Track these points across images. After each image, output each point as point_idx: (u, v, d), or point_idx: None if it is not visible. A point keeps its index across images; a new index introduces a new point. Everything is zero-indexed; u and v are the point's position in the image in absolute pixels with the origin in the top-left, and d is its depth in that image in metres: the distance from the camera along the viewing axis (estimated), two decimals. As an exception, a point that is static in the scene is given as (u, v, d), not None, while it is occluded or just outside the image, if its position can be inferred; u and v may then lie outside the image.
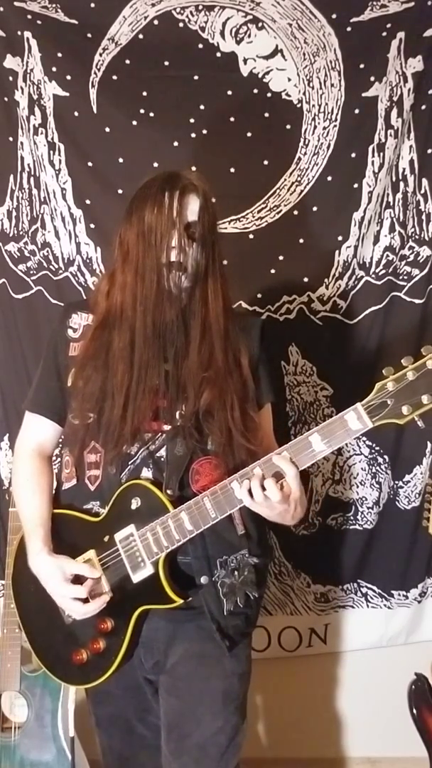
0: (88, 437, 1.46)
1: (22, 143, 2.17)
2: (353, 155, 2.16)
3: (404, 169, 2.19)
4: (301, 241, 2.20)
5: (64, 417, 1.54)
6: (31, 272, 2.23)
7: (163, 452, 1.44)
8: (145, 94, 2.13)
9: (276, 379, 2.02)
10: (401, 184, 2.19)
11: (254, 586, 1.49)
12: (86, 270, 2.19)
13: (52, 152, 2.15)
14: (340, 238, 2.19)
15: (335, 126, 2.16)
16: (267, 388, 1.60)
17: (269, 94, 2.15)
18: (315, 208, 2.19)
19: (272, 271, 2.20)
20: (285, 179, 2.18)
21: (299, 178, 2.18)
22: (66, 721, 1.90)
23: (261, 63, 2.13)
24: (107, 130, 2.14)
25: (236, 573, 1.46)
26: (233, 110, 2.15)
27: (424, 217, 2.21)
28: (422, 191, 2.20)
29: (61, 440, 1.61)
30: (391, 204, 2.20)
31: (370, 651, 2.40)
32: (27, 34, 2.10)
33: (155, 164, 2.10)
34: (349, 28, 2.11)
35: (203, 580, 1.43)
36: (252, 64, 2.14)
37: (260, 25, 2.12)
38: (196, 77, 2.13)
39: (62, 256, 2.20)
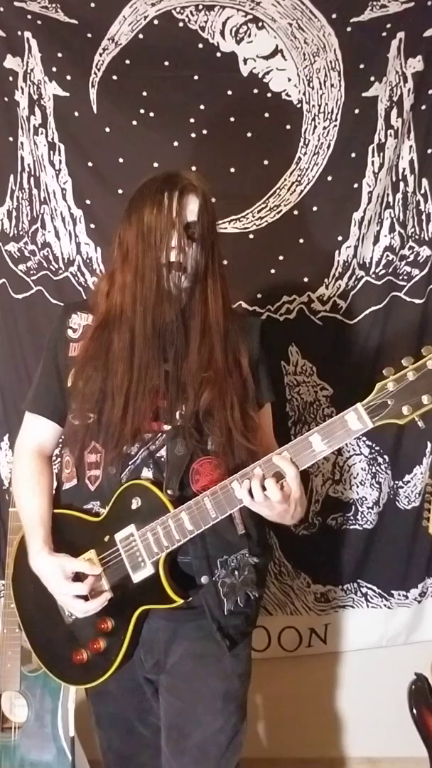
0: (89, 437, 1.46)
1: (22, 143, 2.17)
2: (353, 155, 2.16)
3: (404, 169, 2.19)
4: (301, 241, 2.20)
5: (63, 417, 1.54)
6: (31, 272, 2.23)
7: (163, 452, 1.44)
8: (145, 94, 2.13)
9: (276, 379, 2.02)
10: (401, 184, 2.19)
11: (254, 585, 1.49)
12: (86, 270, 2.20)
13: (52, 152, 2.15)
14: (340, 238, 2.19)
15: (335, 126, 2.16)
16: (267, 388, 1.60)
17: (269, 95, 2.15)
18: (315, 208, 2.19)
19: (272, 271, 2.20)
20: (285, 179, 2.18)
21: (299, 178, 2.18)
22: (66, 721, 1.90)
23: (261, 63, 2.13)
24: (107, 130, 2.14)
25: (236, 573, 1.46)
26: (233, 110, 2.15)
27: (424, 217, 2.21)
28: (422, 191, 2.20)
29: (61, 440, 1.61)
30: (391, 204, 2.20)
31: (370, 651, 2.40)
32: (27, 34, 2.10)
33: (155, 164, 2.10)
34: (349, 28, 2.11)
35: (203, 579, 1.43)
36: (252, 64, 2.14)
37: (260, 24, 2.12)
38: (196, 77, 2.13)
39: (62, 256, 2.20)
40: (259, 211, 2.18)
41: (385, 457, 2.27)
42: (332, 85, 2.14)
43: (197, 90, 2.14)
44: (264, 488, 1.31)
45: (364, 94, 2.14)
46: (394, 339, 2.22)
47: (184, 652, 1.48)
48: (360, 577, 2.33)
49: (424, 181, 2.20)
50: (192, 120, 2.14)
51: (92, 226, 2.17)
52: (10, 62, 2.12)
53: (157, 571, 1.39)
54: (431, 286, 2.23)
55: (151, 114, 2.14)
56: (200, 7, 2.11)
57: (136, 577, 1.40)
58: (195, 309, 1.49)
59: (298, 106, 2.16)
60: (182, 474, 1.42)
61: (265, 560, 1.55)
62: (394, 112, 2.14)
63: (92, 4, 2.10)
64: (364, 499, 2.29)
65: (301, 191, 2.18)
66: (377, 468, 2.27)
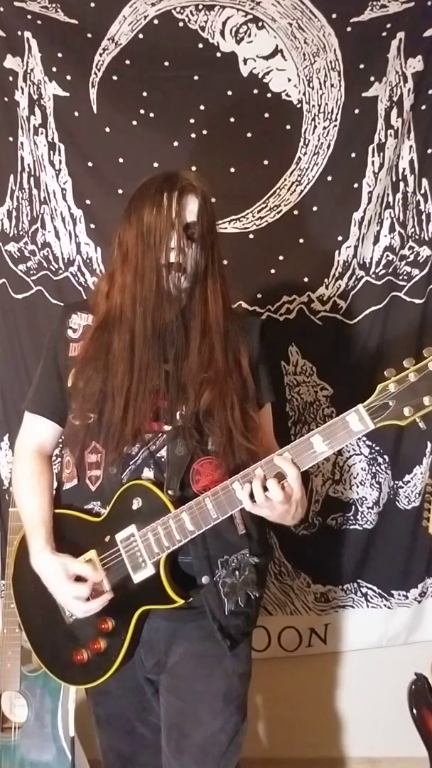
0: (89, 438, 1.46)
1: (22, 143, 2.17)
2: (353, 155, 2.16)
3: (404, 169, 2.19)
4: (301, 241, 2.20)
5: (63, 417, 1.54)
6: (31, 272, 2.23)
7: (163, 453, 1.44)
8: (145, 94, 2.13)
9: (276, 379, 2.02)
10: (401, 184, 2.19)
11: (255, 585, 1.49)
12: (86, 270, 2.20)
13: (52, 152, 2.15)
14: (340, 238, 2.19)
15: (335, 126, 2.16)
16: (267, 388, 1.60)
17: (269, 95, 2.15)
18: (315, 208, 2.19)
19: (272, 271, 2.20)
20: (285, 179, 2.18)
21: (299, 178, 2.18)
22: (66, 721, 1.90)
23: (261, 63, 2.13)
24: (107, 130, 2.14)
25: (237, 573, 1.46)
26: (233, 110, 2.15)
27: (424, 217, 2.21)
28: (422, 191, 2.20)
29: (61, 440, 1.61)
30: (391, 204, 2.20)
31: (370, 651, 2.40)
32: (27, 34, 2.10)
33: (155, 164, 2.10)
34: (349, 28, 2.11)
35: (204, 580, 1.43)
36: (252, 64, 2.14)
37: (260, 24, 2.12)
38: (196, 77, 2.13)
39: (62, 256, 2.20)
40: (259, 211, 2.18)
41: (385, 457, 2.27)
42: (332, 85, 2.14)
43: (197, 90, 2.14)
44: (266, 489, 1.31)
45: (364, 94, 2.14)
46: (394, 339, 2.22)
47: (184, 652, 1.48)
48: (360, 577, 2.34)
49: (424, 181, 2.20)
50: (192, 120, 2.14)
51: (92, 226, 2.17)
52: (10, 62, 2.12)
53: (157, 572, 1.38)
54: (431, 286, 2.23)
55: (151, 114, 2.14)
56: (200, 6, 2.11)
57: (137, 578, 1.40)
58: (195, 309, 1.48)
59: (298, 106, 2.16)
60: (183, 474, 1.42)
61: (265, 560, 1.55)
62: (394, 112, 2.14)
63: (92, 4, 2.10)
64: (364, 499, 2.29)
65: (301, 191, 2.18)
66: (377, 468, 2.27)
